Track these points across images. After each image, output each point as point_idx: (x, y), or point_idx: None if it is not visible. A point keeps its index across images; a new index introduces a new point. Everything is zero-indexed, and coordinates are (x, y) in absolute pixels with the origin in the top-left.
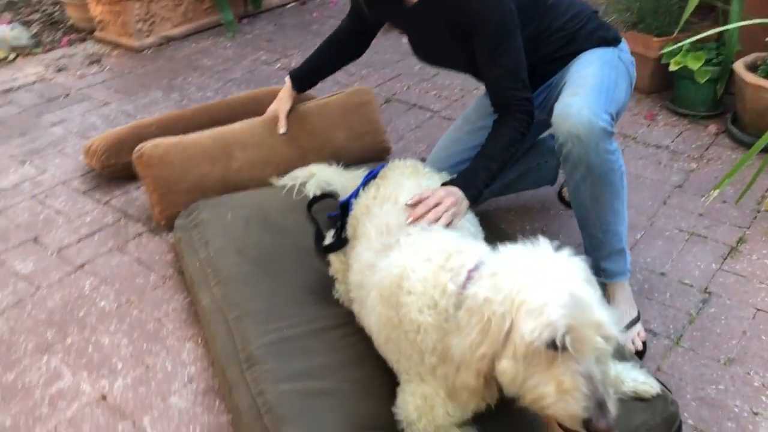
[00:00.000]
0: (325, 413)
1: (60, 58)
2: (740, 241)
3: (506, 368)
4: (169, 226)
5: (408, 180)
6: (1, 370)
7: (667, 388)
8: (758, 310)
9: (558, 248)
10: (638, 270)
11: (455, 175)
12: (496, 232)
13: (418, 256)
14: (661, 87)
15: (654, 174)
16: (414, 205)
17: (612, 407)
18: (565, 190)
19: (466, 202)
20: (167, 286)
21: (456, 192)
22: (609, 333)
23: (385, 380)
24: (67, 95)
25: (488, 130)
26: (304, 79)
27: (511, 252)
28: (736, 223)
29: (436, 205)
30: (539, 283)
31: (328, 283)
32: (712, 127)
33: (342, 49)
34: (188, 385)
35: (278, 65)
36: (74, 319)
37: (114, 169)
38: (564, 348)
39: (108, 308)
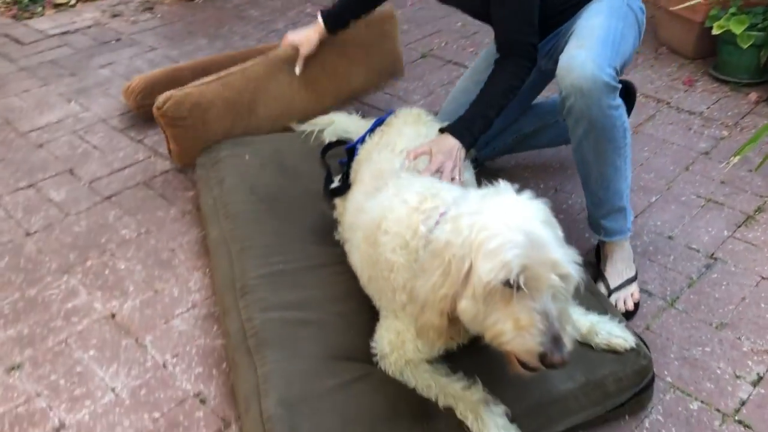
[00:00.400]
0: (306, 340)
1: (116, 4)
2: (759, 210)
3: (467, 308)
4: (191, 166)
5: (409, 128)
6: (26, 285)
7: (645, 344)
8: (763, 278)
9: (519, 191)
10: (645, 232)
11: (452, 122)
12: None
13: (397, 198)
14: (707, 52)
15: (681, 140)
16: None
17: (568, 342)
18: None
19: (463, 151)
20: (185, 220)
21: (453, 145)
22: (564, 271)
23: (368, 316)
24: (119, 40)
25: None
26: (337, 18)
27: (474, 196)
28: (758, 192)
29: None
30: (497, 226)
31: (332, 225)
32: (753, 95)
33: None
34: (191, 310)
35: None
36: (96, 244)
37: (147, 109)
38: (519, 287)
39: (128, 237)
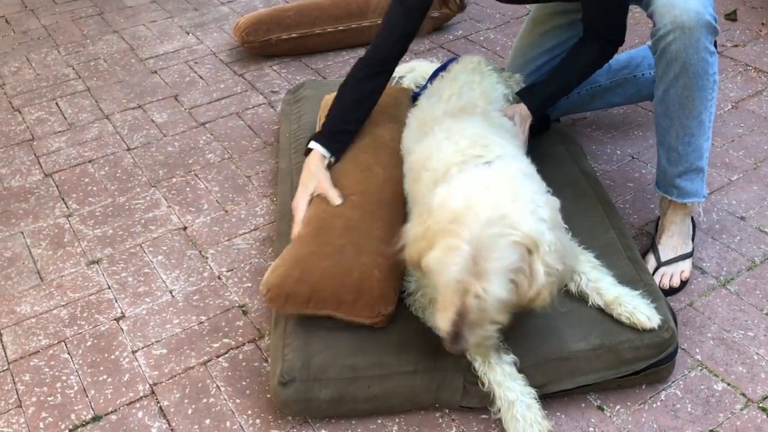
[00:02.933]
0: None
1: None
2: None
3: (420, 269)
4: None
5: (464, 75)
6: (117, 193)
7: (674, 318)
8: None
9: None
10: (716, 210)
11: (530, 88)
12: (572, 151)
13: (449, 140)
14: None
15: None
16: None
17: (469, 340)
18: None
19: (530, 119)
20: (265, 151)
21: (525, 116)
22: (482, 304)
23: None
24: None
25: (561, 30)
26: (343, 137)
27: (500, 168)
28: None
29: None
30: (468, 224)
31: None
32: None
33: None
34: (252, 232)
35: None
36: (184, 164)
37: (251, 45)
38: None
39: (212, 160)
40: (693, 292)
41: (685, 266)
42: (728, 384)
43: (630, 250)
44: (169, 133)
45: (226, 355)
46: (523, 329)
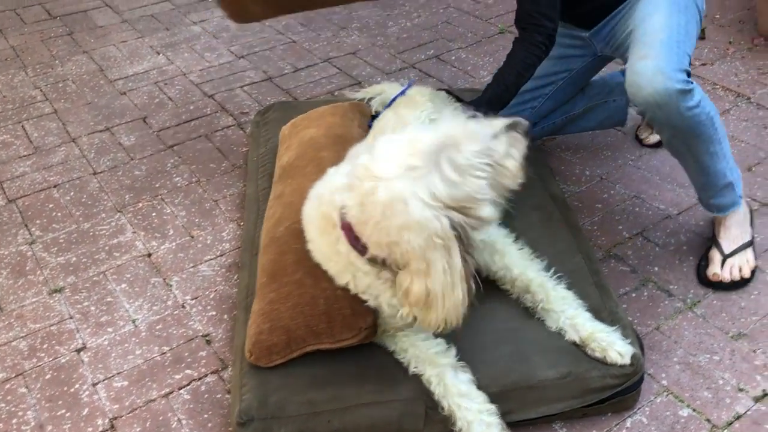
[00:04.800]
0: None
1: None
2: None
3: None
4: None
5: (405, 109)
6: (82, 219)
7: (641, 348)
8: None
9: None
10: (684, 230)
11: (472, 102)
12: (542, 173)
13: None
14: None
15: (752, 138)
16: None
17: None
18: (640, 129)
19: None
20: (233, 174)
21: None
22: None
23: None
24: None
25: (550, 63)
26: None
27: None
28: None
29: None
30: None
31: None
32: None
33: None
34: (218, 258)
35: None
36: (150, 188)
37: None
38: None
39: (179, 184)
40: (659, 316)
41: (749, 255)
42: (693, 410)
43: (596, 275)
44: (137, 157)
45: (189, 387)
46: (491, 354)
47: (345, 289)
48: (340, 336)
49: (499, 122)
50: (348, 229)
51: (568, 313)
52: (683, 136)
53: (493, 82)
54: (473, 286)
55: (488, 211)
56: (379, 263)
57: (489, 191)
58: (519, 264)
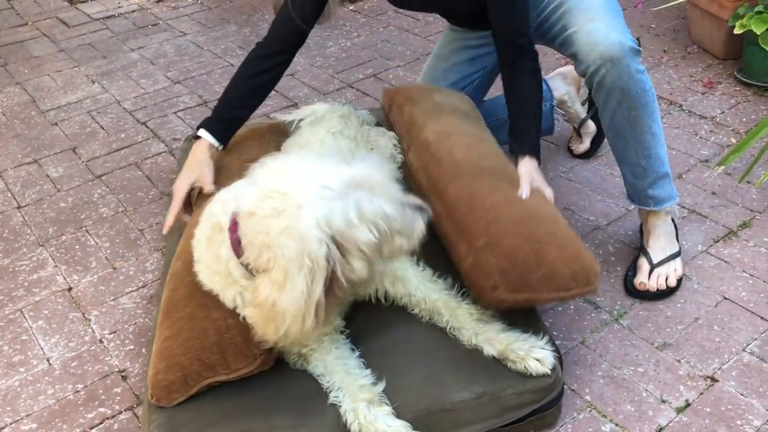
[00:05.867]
0: None
1: None
2: (744, 225)
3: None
4: None
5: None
6: (2, 255)
7: (560, 361)
8: (725, 298)
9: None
10: (612, 241)
11: (518, 141)
12: None
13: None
14: (737, 53)
15: (684, 146)
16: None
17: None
18: (572, 140)
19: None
20: (161, 202)
21: (534, 167)
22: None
23: None
24: (155, 25)
25: (464, 65)
26: (229, 123)
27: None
28: (749, 206)
29: None
30: None
31: None
32: None
33: (270, 67)
34: (140, 290)
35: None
36: (75, 219)
37: None
38: None
39: (105, 215)
40: (585, 329)
41: (677, 265)
42: (616, 424)
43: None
44: (63, 188)
45: (101, 426)
46: (406, 380)
47: (236, 316)
48: (235, 366)
49: (413, 199)
50: (233, 226)
51: (478, 328)
52: (630, 104)
53: (522, 115)
54: (322, 318)
55: (360, 267)
56: (247, 269)
57: (371, 250)
58: (420, 287)
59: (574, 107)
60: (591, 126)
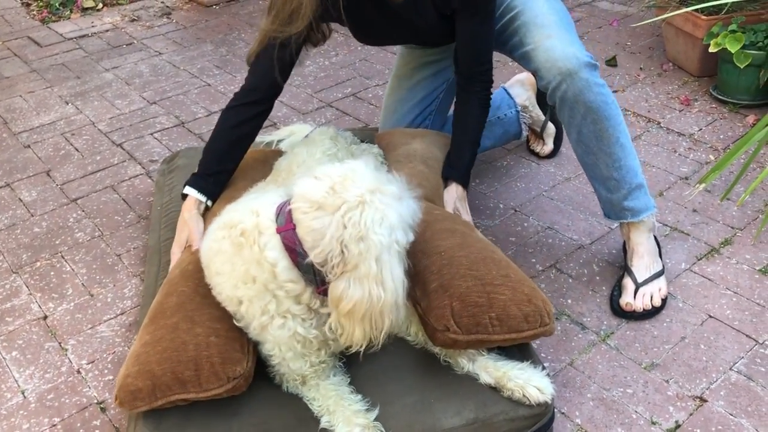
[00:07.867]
0: None
1: (137, 9)
2: (725, 242)
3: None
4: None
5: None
6: None
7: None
8: (710, 317)
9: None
10: (596, 260)
11: (448, 167)
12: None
13: None
14: (713, 71)
15: (663, 163)
16: None
17: None
18: (535, 143)
19: (466, 196)
20: (139, 226)
21: (461, 195)
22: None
23: None
24: (130, 44)
25: (428, 82)
26: (217, 179)
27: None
28: (730, 224)
29: None
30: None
31: None
32: (751, 118)
33: (251, 117)
34: (118, 317)
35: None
36: (50, 245)
37: None
38: None
39: (81, 240)
40: (573, 350)
41: (662, 284)
42: None
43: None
44: (37, 213)
45: None
46: (396, 407)
47: (220, 335)
48: (207, 385)
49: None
50: (290, 230)
51: (472, 355)
52: (595, 117)
53: (459, 143)
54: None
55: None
56: (311, 272)
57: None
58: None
59: (536, 111)
60: (551, 128)
